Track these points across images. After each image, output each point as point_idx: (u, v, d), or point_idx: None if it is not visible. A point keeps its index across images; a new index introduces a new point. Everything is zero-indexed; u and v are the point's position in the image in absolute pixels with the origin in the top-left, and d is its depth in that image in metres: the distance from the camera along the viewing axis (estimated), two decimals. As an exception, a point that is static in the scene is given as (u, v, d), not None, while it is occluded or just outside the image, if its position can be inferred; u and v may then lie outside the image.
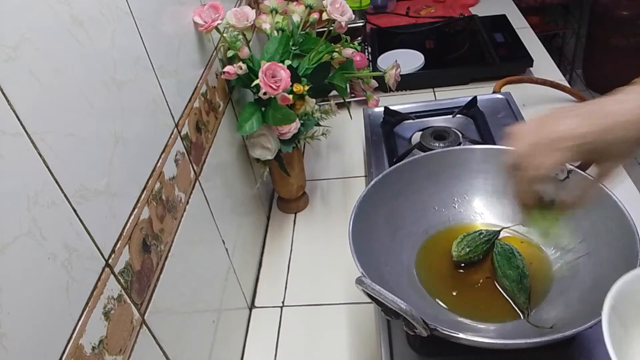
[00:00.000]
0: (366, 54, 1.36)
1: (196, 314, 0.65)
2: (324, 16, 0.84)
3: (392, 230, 0.73)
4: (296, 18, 0.87)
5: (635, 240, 0.58)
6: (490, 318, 0.64)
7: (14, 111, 0.36)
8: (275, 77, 0.75)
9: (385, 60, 1.32)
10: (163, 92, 0.60)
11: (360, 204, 0.68)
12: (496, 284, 0.68)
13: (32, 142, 0.37)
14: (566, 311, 0.62)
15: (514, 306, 0.65)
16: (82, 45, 0.45)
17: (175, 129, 0.62)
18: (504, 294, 0.67)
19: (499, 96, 1.10)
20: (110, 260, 0.46)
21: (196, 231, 0.66)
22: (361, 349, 0.78)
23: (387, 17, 1.62)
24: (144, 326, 0.51)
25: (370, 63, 1.34)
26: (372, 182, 0.72)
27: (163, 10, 0.62)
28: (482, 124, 1.02)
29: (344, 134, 1.19)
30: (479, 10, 1.57)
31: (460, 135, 0.97)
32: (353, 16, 0.87)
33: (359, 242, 0.63)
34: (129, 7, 0.53)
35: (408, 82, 1.23)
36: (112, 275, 0.46)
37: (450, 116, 1.07)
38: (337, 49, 0.89)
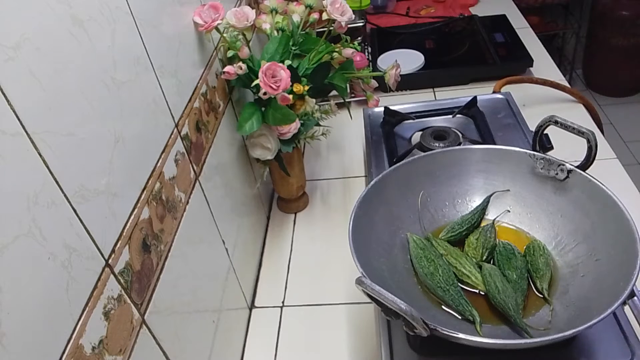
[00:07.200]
0: (366, 54, 1.36)
1: (196, 314, 0.65)
2: (324, 16, 0.84)
3: (392, 231, 0.73)
4: (296, 18, 0.87)
5: (635, 240, 0.58)
6: (491, 318, 0.64)
7: (14, 111, 0.36)
8: (275, 77, 0.75)
9: (385, 60, 1.32)
10: (163, 92, 0.60)
11: (360, 204, 0.68)
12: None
13: (32, 142, 0.37)
14: (566, 311, 0.62)
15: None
16: (82, 45, 0.45)
17: (175, 129, 0.62)
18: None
19: (499, 96, 1.10)
20: (110, 260, 0.46)
21: (196, 231, 0.66)
22: (361, 349, 0.78)
23: (387, 17, 1.62)
24: (144, 326, 0.51)
25: (370, 63, 1.34)
26: (372, 182, 0.72)
27: (163, 10, 0.62)
28: (482, 124, 1.02)
29: (344, 134, 1.19)
30: (479, 10, 1.57)
31: (460, 135, 0.97)
32: (353, 16, 0.87)
33: (359, 242, 0.63)
34: (129, 7, 0.53)
35: (408, 82, 1.23)
36: (112, 275, 0.46)
37: (450, 116, 1.07)
38: (337, 49, 0.89)
